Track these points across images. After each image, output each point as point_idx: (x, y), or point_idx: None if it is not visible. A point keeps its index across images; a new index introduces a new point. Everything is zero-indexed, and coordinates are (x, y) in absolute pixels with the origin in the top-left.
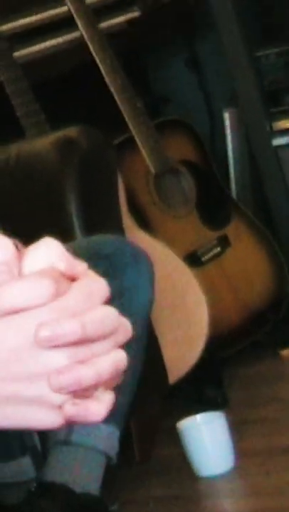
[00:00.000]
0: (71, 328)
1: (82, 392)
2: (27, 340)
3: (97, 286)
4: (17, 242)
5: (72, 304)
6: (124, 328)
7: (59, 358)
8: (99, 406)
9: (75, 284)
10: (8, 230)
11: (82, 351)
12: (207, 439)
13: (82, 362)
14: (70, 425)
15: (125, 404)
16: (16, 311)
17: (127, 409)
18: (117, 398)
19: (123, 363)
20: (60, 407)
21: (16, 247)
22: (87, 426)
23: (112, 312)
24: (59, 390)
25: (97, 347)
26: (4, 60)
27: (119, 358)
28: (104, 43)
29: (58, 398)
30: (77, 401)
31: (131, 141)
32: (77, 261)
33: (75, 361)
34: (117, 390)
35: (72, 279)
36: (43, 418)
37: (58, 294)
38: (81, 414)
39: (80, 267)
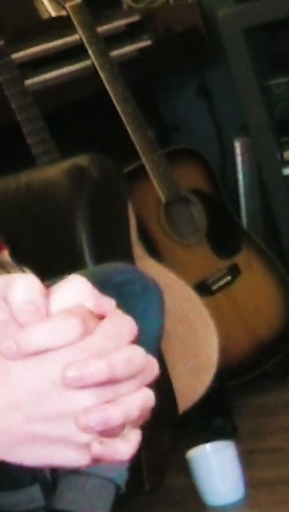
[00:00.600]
0: (98, 369)
1: (109, 432)
2: (55, 380)
3: (125, 324)
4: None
5: (100, 343)
6: (151, 367)
7: (86, 398)
8: (126, 445)
9: (102, 323)
10: (19, 258)
11: (110, 391)
12: (216, 468)
13: (109, 402)
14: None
15: None
16: (42, 352)
17: None
18: None
19: (150, 402)
20: (87, 446)
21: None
22: (114, 464)
23: (140, 352)
24: (87, 430)
25: (124, 387)
26: (16, 87)
27: (146, 397)
28: (115, 71)
29: (85, 438)
30: (105, 440)
31: (141, 170)
32: (105, 298)
33: (102, 401)
34: None
35: (100, 317)
36: (69, 457)
37: (86, 334)
38: (108, 454)
39: (108, 304)
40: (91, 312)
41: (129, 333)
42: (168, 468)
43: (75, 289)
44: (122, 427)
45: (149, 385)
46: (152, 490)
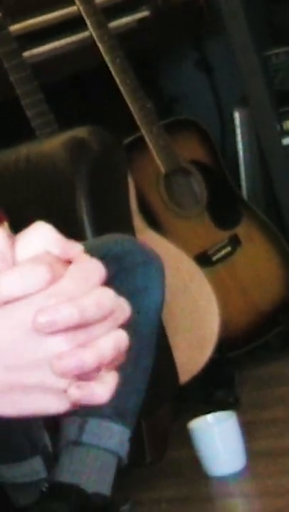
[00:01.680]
0: (69, 313)
1: (85, 375)
2: (27, 327)
3: (93, 268)
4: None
5: (69, 288)
6: (122, 308)
7: (59, 344)
8: (103, 388)
9: (70, 268)
10: (18, 230)
11: (82, 335)
12: (218, 439)
13: (82, 345)
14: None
15: (136, 404)
16: (13, 300)
17: (137, 409)
18: (127, 397)
19: (124, 343)
20: (64, 391)
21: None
22: (93, 407)
23: (109, 294)
24: (62, 375)
25: (96, 329)
26: (14, 60)
27: (119, 338)
28: (114, 43)
29: (61, 383)
30: (81, 384)
31: (141, 142)
32: (71, 243)
33: (75, 345)
34: (128, 389)
35: (68, 262)
36: (48, 404)
37: (54, 279)
38: (86, 397)
39: (75, 249)
40: (58, 258)
41: (98, 276)
42: (169, 440)
43: (41, 236)
44: (98, 369)
45: (122, 326)
46: (154, 462)
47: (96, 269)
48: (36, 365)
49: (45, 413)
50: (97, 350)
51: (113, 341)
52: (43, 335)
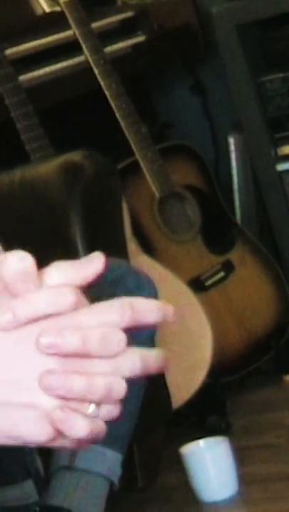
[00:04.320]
0: (71, 339)
1: (73, 405)
2: (24, 345)
3: (112, 309)
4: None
5: (81, 318)
6: (133, 361)
7: (53, 363)
8: (85, 422)
9: (91, 305)
10: None
11: (78, 363)
12: (210, 464)
13: (76, 372)
14: (72, 450)
15: (128, 429)
16: (39, 318)
17: (130, 434)
18: (120, 422)
19: (119, 391)
20: (48, 416)
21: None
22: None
23: (118, 335)
24: (47, 391)
25: (96, 365)
26: (9, 83)
27: (116, 384)
28: (109, 67)
29: (48, 403)
30: (66, 409)
31: (135, 166)
32: (88, 263)
33: (68, 369)
34: (120, 413)
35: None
36: (30, 428)
37: (79, 303)
38: (66, 424)
39: (92, 267)
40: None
41: (116, 318)
42: (161, 464)
43: (62, 272)
44: (87, 401)
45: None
46: (146, 487)
47: (114, 311)
48: (26, 382)
49: (26, 437)
50: (89, 382)
51: (109, 381)
52: (40, 354)
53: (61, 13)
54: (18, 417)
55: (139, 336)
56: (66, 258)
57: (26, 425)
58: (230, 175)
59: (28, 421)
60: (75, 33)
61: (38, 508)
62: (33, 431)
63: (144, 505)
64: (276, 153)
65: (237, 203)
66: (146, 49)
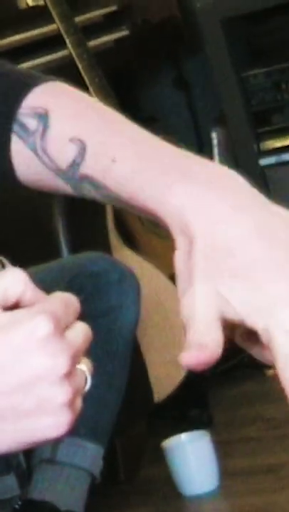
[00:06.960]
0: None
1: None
2: (13, 349)
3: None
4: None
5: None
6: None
7: (43, 360)
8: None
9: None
10: None
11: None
12: (192, 458)
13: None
14: (54, 444)
15: (109, 422)
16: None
17: (111, 428)
18: (101, 416)
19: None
20: (64, 407)
21: None
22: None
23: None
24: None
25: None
26: None
27: (83, 327)
28: (92, 61)
29: (60, 395)
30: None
31: None
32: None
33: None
34: (101, 407)
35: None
36: (46, 426)
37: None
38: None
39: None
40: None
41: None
42: (143, 458)
43: (12, 277)
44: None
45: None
46: (127, 480)
47: (74, 300)
48: (30, 384)
49: (42, 440)
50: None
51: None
52: (27, 355)
53: (44, 7)
54: (29, 424)
55: (121, 329)
56: (49, 251)
57: (41, 428)
58: None
59: (42, 423)
60: (58, 27)
61: (19, 502)
62: (47, 433)
63: (125, 499)
64: (259, 147)
65: None
66: (130, 43)
